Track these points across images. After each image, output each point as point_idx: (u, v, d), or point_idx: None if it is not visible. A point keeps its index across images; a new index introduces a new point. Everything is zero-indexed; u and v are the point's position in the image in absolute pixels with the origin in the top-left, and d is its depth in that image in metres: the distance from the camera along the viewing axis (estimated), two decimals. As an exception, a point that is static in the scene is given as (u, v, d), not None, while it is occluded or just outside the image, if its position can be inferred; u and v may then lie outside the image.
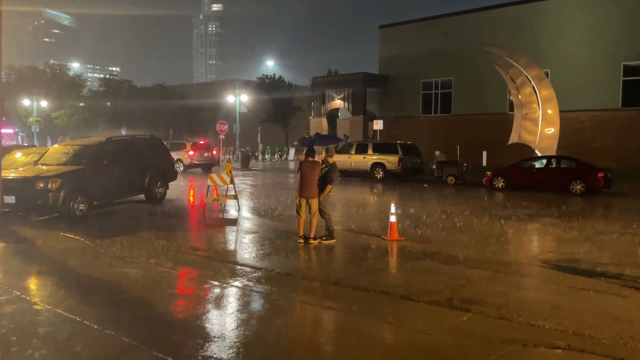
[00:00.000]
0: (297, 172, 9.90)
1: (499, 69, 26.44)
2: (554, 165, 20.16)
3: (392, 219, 10.11)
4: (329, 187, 9.79)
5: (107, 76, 57.49)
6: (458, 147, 25.56)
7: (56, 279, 7.48)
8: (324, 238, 9.95)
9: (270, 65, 69.72)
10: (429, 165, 24.44)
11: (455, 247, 9.51)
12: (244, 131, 46.45)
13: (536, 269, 8.01)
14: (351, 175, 25.38)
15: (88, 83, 63.16)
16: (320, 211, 9.87)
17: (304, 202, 9.78)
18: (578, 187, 18.71)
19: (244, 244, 9.90)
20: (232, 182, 13.92)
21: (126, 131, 49.60)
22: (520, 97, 25.74)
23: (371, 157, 24.74)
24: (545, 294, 6.66)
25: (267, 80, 58.81)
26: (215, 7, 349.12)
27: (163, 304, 6.34)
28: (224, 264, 8.27)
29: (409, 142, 25.82)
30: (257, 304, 6.38)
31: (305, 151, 10.00)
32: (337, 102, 38.92)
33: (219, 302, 6.45)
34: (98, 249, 9.24)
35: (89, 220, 12.18)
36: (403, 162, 23.85)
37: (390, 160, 24.07)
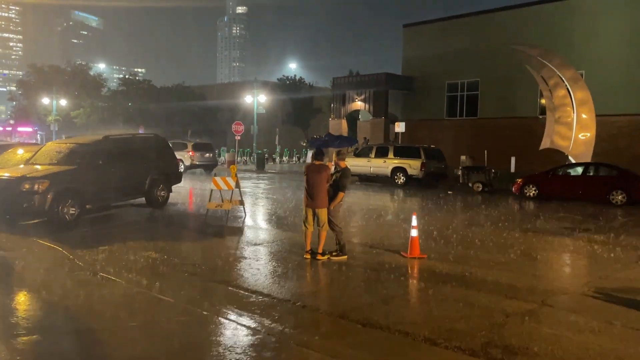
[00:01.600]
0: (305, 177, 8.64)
1: (530, 69, 24.81)
2: (591, 173, 18.48)
3: (414, 233, 8.75)
4: (340, 195, 8.50)
5: (127, 76, 56.95)
6: (486, 152, 23.96)
7: (6, 302, 6.33)
8: (334, 253, 8.65)
9: (292, 68, 68.78)
10: (454, 170, 22.93)
11: (487, 268, 8.10)
12: (262, 133, 45.41)
13: (590, 301, 6.56)
14: (370, 180, 24.02)
15: (110, 83, 63.02)
16: (330, 222, 8.58)
17: (310, 212, 8.50)
18: (619, 197, 17.03)
19: (242, 259, 8.65)
20: (237, 186, 12.72)
21: (144, 130, 49.13)
22: (553, 99, 24.06)
23: (392, 161, 23.34)
24: (609, 339, 5.23)
25: (288, 82, 57.74)
26: (240, 9, 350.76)
27: (127, 339, 5.12)
28: (212, 285, 7.03)
29: (432, 146, 24.32)
30: (240, 344, 5.10)
31: (313, 153, 8.71)
32: (358, 104, 37.52)
33: (192, 339, 5.20)
34: (76, 262, 8.10)
35: (79, 226, 11.10)
36: (426, 167, 22.39)
37: (412, 165, 22.63)
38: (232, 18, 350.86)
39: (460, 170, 21.70)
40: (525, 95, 31.46)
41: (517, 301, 6.34)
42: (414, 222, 8.77)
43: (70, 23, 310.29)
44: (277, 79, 59.49)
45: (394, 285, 7.18)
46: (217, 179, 12.56)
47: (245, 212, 13.03)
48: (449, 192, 20.60)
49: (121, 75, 56.94)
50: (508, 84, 31.78)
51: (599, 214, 14.59)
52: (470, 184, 21.24)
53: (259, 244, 9.70)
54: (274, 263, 8.28)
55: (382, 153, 23.86)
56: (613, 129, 28.19)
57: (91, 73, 58.36)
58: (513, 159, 28.85)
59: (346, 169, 8.64)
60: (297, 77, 59.19)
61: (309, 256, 8.56)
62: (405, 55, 37.76)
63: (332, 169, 8.87)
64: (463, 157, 23.59)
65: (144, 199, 13.94)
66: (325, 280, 7.54)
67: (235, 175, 12.69)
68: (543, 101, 31.54)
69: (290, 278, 7.41)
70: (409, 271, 8.05)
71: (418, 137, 32.49)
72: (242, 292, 6.68)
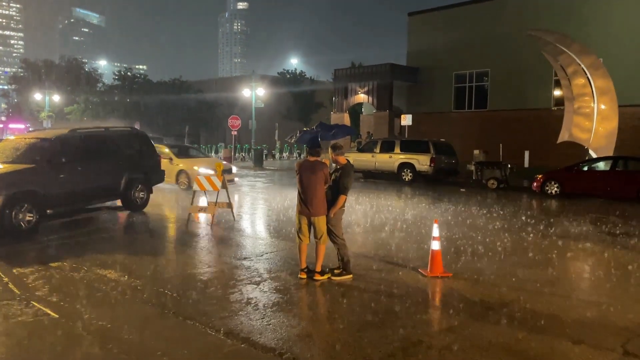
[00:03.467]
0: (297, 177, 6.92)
1: (547, 56, 22.97)
2: (621, 168, 16.71)
3: (435, 246, 7.03)
4: (341, 198, 6.79)
5: (122, 71, 55.23)
6: (501, 145, 22.18)
7: None
8: (335, 271, 6.96)
9: (294, 63, 66.96)
10: (467, 166, 21.18)
11: (531, 292, 6.39)
12: (261, 128, 43.66)
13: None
14: (375, 177, 22.28)
15: (109, 79, 61.24)
16: (330, 233, 6.88)
17: (305, 221, 6.80)
18: (653, 195, 15.30)
19: (220, 281, 6.94)
20: (224, 186, 11.02)
21: (140, 126, 47.48)
22: (572, 88, 22.23)
23: (398, 157, 21.60)
24: None
25: (288, 75, 55.93)
26: (241, 5, 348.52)
27: None
28: (175, 322, 5.34)
29: (442, 140, 22.57)
30: None
31: (306, 148, 6.99)
32: (361, 97, 35.73)
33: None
34: (9, 287, 6.42)
35: (37, 236, 9.42)
36: (436, 162, 20.65)
37: (421, 160, 20.89)
38: (233, 14, 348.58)
39: (473, 166, 19.94)
40: (537, 85, 29.68)
41: (587, 348, 4.62)
42: (436, 232, 7.05)
43: (72, 20, 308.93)
44: (277, 72, 57.74)
45: (413, 319, 5.47)
46: (201, 178, 10.86)
47: (234, 217, 11.33)
48: (462, 190, 18.86)
49: (126, 73, 55.05)
50: (519, 74, 30.00)
51: (638, 215, 12.87)
52: (484, 181, 19.49)
53: (245, 258, 7.99)
54: (260, 287, 6.58)
55: (387, 148, 22.14)
56: (634, 120, 26.36)
57: (86, 68, 56.62)
58: (527, 154, 27.08)
59: (347, 166, 6.93)
60: (298, 71, 57.39)
61: (304, 276, 6.86)
62: (411, 46, 35.96)
63: (333, 166, 7.18)
64: (476, 152, 21.84)
65: (119, 201, 12.30)
66: (325, 313, 5.84)
67: (222, 174, 10.98)
68: (557, 93, 29.81)
69: (279, 310, 5.70)
70: (433, 298, 6.34)
71: (424, 131, 30.68)
72: (212, 333, 4.99)
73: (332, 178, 6.91)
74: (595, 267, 7.89)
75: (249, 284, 6.67)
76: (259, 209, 13.60)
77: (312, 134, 7.29)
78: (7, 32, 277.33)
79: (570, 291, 6.50)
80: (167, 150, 17.57)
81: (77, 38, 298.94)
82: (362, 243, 9.15)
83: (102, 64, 79.58)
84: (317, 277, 6.79)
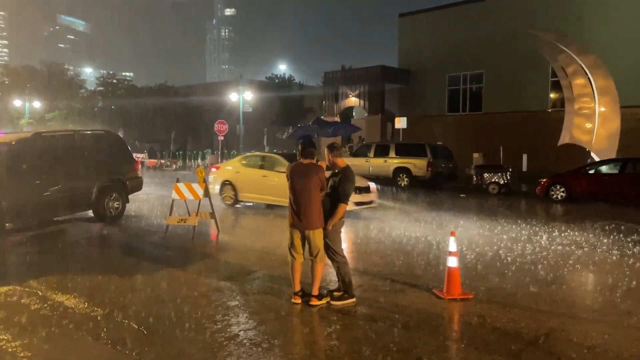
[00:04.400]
0: (289, 184, 5.82)
1: (547, 56, 22.15)
2: (631, 171, 15.80)
3: (452, 262, 5.96)
4: (341, 208, 5.70)
5: (105, 76, 53.83)
6: (501, 148, 21.24)
7: None
8: (335, 295, 5.86)
9: (283, 69, 65.95)
10: (464, 170, 20.22)
11: (570, 316, 5.35)
12: (250, 134, 42.58)
13: None
14: (369, 183, 21.21)
15: (94, 86, 59.64)
16: (328, 249, 5.79)
17: (298, 235, 5.70)
18: (667, 198, 14.39)
19: (200, 310, 5.80)
20: (207, 194, 9.88)
21: (124, 134, 46.10)
22: (572, 89, 21.39)
23: (394, 161, 20.58)
24: None
25: (277, 80, 54.83)
26: (229, 11, 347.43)
27: None
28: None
29: (439, 143, 21.60)
30: None
31: (299, 148, 5.89)
32: (352, 100, 34.74)
33: None
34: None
35: (-9, 253, 8.22)
36: (433, 166, 19.64)
37: (417, 165, 19.88)
38: (220, 20, 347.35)
39: (473, 170, 18.96)
40: (534, 87, 28.87)
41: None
42: (453, 246, 5.97)
43: (57, 27, 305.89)
44: (266, 77, 56.61)
45: None
46: (180, 185, 9.72)
47: (217, 228, 10.18)
48: (462, 195, 17.86)
49: (109, 80, 53.54)
50: (515, 75, 29.18)
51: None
52: (484, 186, 18.52)
53: (229, 279, 6.86)
54: (247, 316, 5.46)
55: (382, 152, 21.11)
56: (632, 121, 25.62)
57: (69, 74, 55.11)
58: (525, 157, 26.19)
59: (347, 170, 5.84)
60: (287, 76, 56.33)
61: (298, 300, 5.75)
62: (402, 47, 35.05)
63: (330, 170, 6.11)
64: (476, 155, 20.93)
65: (92, 212, 11.11)
66: (324, 350, 4.71)
67: (204, 180, 9.84)
68: (553, 94, 29.07)
69: (269, 349, 4.59)
70: (455, 329, 5.25)
71: (417, 134, 29.74)
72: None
73: (329, 184, 5.83)
74: (629, 280, 6.86)
75: (233, 312, 5.54)
76: (245, 219, 12.45)
77: (307, 130, 6.17)
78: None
79: (620, 316, 5.45)
80: (282, 162, 12.82)
81: (62, 45, 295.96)
82: (363, 258, 8.05)
83: (88, 71, 78.12)
84: (314, 302, 5.68)
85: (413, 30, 34.24)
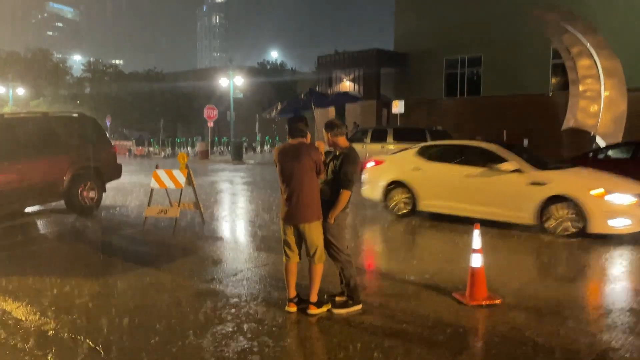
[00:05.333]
0: (277, 169, 4.83)
1: (551, 36, 21.14)
2: (644, 155, 14.89)
3: (476, 261, 5.01)
4: (344, 196, 4.71)
5: (91, 61, 52.26)
6: (505, 132, 20.28)
7: None
8: (338, 300, 4.92)
9: (275, 56, 64.54)
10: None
11: (622, 325, 4.42)
12: (242, 121, 41.44)
13: None
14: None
15: (75, 72, 57.91)
16: (329, 247, 4.82)
17: (291, 231, 4.74)
18: (684, 184, 13.49)
19: (176, 319, 4.84)
20: (190, 182, 8.88)
21: (111, 121, 44.71)
22: (577, 70, 20.41)
23: (391, 147, 19.57)
24: None
25: (268, 66, 53.53)
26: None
27: None
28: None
29: (439, 128, 20.64)
30: None
31: (288, 125, 4.88)
32: (346, 85, 33.65)
33: None
34: None
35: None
36: (433, 152, 18.65)
37: (417, 150, 18.88)
38: (211, 7, 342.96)
39: (475, 155, 17.97)
40: (535, 70, 27.90)
41: None
42: (477, 242, 5.02)
43: (45, 15, 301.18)
44: (258, 63, 55.30)
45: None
46: (160, 172, 8.70)
47: (203, 220, 9.19)
48: (463, 182, 16.92)
49: (110, 71, 51.89)
50: (515, 58, 28.19)
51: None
52: (487, 171, 17.57)
53: (213, 280, 5.89)
54: (232, 327, 4.49)
55: (379, 137, 20.10)
56: (637, 105, 24.78)
57: (54, 59, 53.45)
58: (526, 141, 25.27)
59: (350, 151, 4.84)
60: (279, 62, 55.03)
61: (294, 308, 4.79)
62: (398, 30, 33.93)
63: (328, 151, 5.12)
64: (478, 139, 19.92)
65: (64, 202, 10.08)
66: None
67: (186, 166, 8.82)
68: (555, 77, 28.14)
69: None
70: (484, 344, 4.31)
71: (413, 119, 28.78)
72: None
73: (329, 168, 4.84)
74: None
75: (216, 322, 4.57)
76: (234, 209, 11.45)
77: (299, 104, 5.18)
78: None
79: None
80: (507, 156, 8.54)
81: (51, 33, 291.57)
82: (369, 256, 7.09)
83: (77, 59, 76.31)
84: (313, 309, 4.72)
85: (410, 12, 33.08)
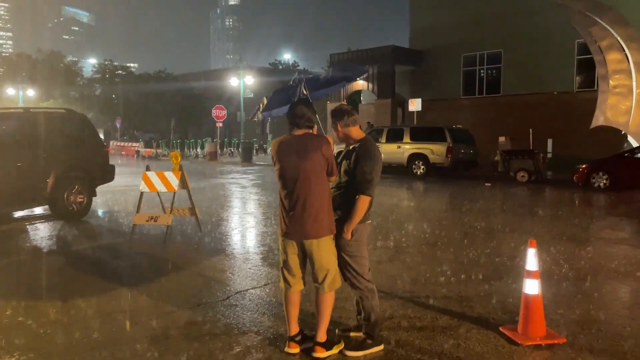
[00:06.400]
0: (276, 170, 3.74)
1: (578, 29, 19.86)
2: (688, 155, 13.65)
3: (532, 287, 3.87)
4: (361, 202, 3.62)
5: (106, 62, 51.81)
6: (530, 131, 19.03)
7: None
8: (353, 337, 3.82)
9: (288, 58, 63.75)
10: (488, 157, 18.12)
11: None
12: (253, 121, 40.48)
13: None
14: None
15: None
16: (345, 269, 3.74)
17: (293, 249, 3.66)
18: None
19: (151, 358, 3.77)
20: (184, 185, 7.85)
21: (121, 123, 44.13)
22: (606, 65, 19.10)
23: (408, 147, 18.47)
24: None
25: (280, 66, 52.67)
26: (232, 0, 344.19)
27: None
28: None
29: (459, 127, 19.45)
30: None
31: (288, 113, 3.79)
32: (360, 83, 32.49)
33: None
34: None
35: None
36: (453, 152, 17.52)
37: (435, 151, 17.77)
38: (224, 10, 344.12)
39: (498, 155, 16.81)
40: (558, 66, 26.47)
41: None
42: (532, 262, 3.89)
43: (61, 19, 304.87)
44: (269, 63, 54.50)
45: None
46: (150, 174, 7.68)
47: (199, 228, 8.15)
48: (487, 184, 15.75)
49: (121, 72, 51.38)
50: (537, 54, 26.78)
51: None
52: (512, 173, 16.40)
53: (202, 304, 4.82)
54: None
55: (395, 137, 19.00)
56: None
57: (65, 61, 53.14)
58: (550, 142, 23.96)
59: (367, 143, 3.75)
60: (291, 62, 54.16)
61: (296, 349, 3.70)
62: (413, 27, 32.71)
63: (337, 147, 4.04)
64: (502, 139, 18.80)
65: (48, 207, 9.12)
66: None
67: (180, 168, 7.79)
68: (580, 73, 26.73)
69: None
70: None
71: (429, 119, 27.57)
72: None
73: (341, 167, 3.76)
74: None
75: (191, 371, 3.50)
76: (238, 215, 10.40)
77: (288, 92, 4.19)
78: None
79: None
80: None
81: (67, 37, 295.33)
82: (390, 274, 5.98)
83: (92, 62, 76.52)
84: (320, 352, 3.63)
85: (426, 7, 31.86)
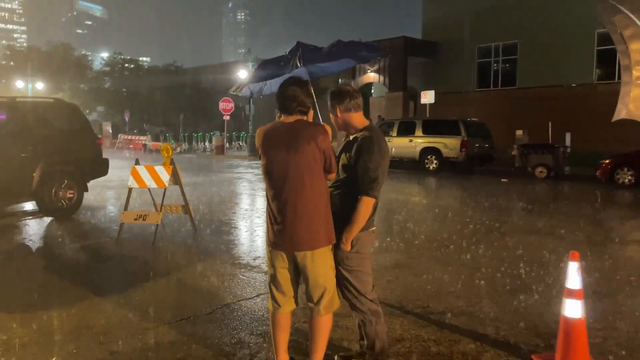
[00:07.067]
0: (262, 167, 3.06)
1: (599, 18, 18.83)
2: None
3: (573, 309, 3.17)
4: (364, 205, 2.93)
5: (114, 56, 51.39)
6: (550, 124, 18.16)
7: None
8: (354, 367, 3.14)
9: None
10: (506, 151, 17.32)
11: None
12: (262, 115, 39.81)
13: None
14: (391, 166, 18.34)
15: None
16: (344, 286, 3.06)
17: (282, 262, 2.99)
18: None
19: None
20: (176, 180, 7.22)
21: (129, 116, 43.71)
22: (630, 56, 18.07)
23: (420, 140, 17.71)
24: None
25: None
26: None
27: None
28: None
29: (474, 119, 18.64)
30: None
31: (278, 95, 3.10)
32: (371, 76, 31.70)
33: None
34: None
35: None
36: (467, 146, 16.74)
37: (449, 144, 17.00)
38: (236, 4, 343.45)
39: (515, 149, 15.99)
40: (577, 57, 25.48)
41: None
42: (575, 279, 3.19)
43: (74, 13, 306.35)
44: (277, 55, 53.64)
45: None
46: (139, 169, 7.06)
47: (194, 226, 7.52)
48: (503, 180, 14.97)
49: (130, 66, 50.90)
50: (555, 45, 25.81)
51: None
52: (530, 168, 15.59)
53: (186, 319, 4.18)
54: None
55: (407, 130, 18.25)
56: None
57: (75, 54, 52.77)
58: (568, 136, 23.01)
59: (371, 132, 3.07)
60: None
61: (285, 383, 3.05)
62: (426, 17, 31.84)
63: (344, 139, 3.34)
64: (519, 132, 17.95)
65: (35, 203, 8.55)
66: None
67: (172, 162, 7.16)
68: (600, 65, 25.71)
69: None
70: None
71: (442, 112, 26.69)
72: None
73: (340, 162, 3.08)
74: None
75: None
76: (237, 212, 9.76)
77: (280, 63, 3.59)
78: (9, 26, 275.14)
79: None
80: None
81: (80, 31, 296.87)
82: (400, 284, 5.31)
83: (104, 56, 76.35)
84: (314, 387, 2.97)
85: (439, -4, 30.94)
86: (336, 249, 3.00)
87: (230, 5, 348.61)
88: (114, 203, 10.35)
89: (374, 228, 3.14)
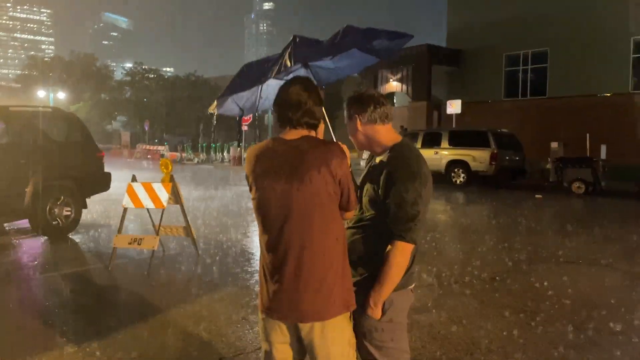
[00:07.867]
0: (252, 199, 2.20)
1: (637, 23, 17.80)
2: None
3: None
4: (401, 250, 2.04)
5: (135, 66, 51.58)
6: (588, 136, 16.99)
7: None
8: None
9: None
10: (541, 164, 16.22)
11: None
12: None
13: None
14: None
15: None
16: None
17: (281, 336, 2.10)
18: None
19: None
20: (177, 199, 6.41)
21: (149, 126, 43.60)
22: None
23: (447, 152, 16.72)
24: None
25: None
26: (267, 5, 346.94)
27: None
28: None
29: (504, 130, 17.58)
30: None
31: (277, 102, 2.23)
32: (393, 85, 30.79)
33: None
34: None
35: None
36: (498, 159, 15.69)
37: (477, 157, 15.98)
38: (258, 15, 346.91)
39: (551, 163, 14.90)
40: (611, 66, 24.18)
41: None
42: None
43: (101, 25, 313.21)
44: (300, 65, 53.22)
45: None
46: (136, 186, 6.26)
47: (197, 250, 6.70)
48: (537, 196, 13.89)
49: (151, 76, 51.14)
50: (587, 53, 24.57)
51: None
52: (566, 183, 14.48)
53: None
54: None
55: (432, 141, 17.27)
56: None
57: (97, 64, 53.19)
58: (604, 148, 21.72)
59: (403, 150, 2.19)
60: (322, 63, 52.79)
61: None
62: (451, 24, 30.85)
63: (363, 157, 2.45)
64: (554, 145, 16.83)
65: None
66: None
67: (171, 178, 6.35)
68: (635, 77, 24.39)
69: None
70: None
71: (468, 123, 25.60)
72: None
73: (365, 190, 2.21)
74: None
75: None
76: (249, 235, 8.91)
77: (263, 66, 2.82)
78: (38, 37, 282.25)
79: None
80: None
81: (106, 42, 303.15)
82: (436, 332, 4.38)
83: (129, 66, 77.47)
84: None
85: (465, 4, 29.97)
86: (360, 317, 2.12)
87: (252, 16, 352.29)
88: (113, 220, 9.60)
89: (413, 285, 2.25)
